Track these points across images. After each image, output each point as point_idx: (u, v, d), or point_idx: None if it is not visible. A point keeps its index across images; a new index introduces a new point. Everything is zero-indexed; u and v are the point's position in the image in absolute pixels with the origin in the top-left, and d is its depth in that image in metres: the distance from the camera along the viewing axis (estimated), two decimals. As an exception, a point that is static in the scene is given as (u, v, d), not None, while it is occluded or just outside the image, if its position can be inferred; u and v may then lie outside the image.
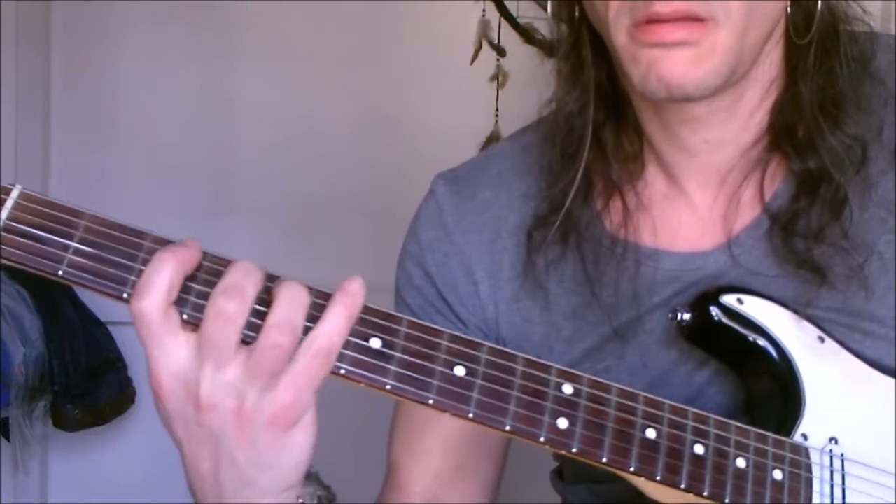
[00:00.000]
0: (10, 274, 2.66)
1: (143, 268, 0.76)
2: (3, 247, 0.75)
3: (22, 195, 0.76)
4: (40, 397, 2.72)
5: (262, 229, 2.97)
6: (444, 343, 0.80)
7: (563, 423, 0.81)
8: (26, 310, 2.69)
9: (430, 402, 0.79)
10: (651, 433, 0.83)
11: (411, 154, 3.00)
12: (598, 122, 0.99)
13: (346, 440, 2.47)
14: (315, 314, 0.77)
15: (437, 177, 1.10)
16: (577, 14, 0.97)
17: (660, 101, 0.92)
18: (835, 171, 0.93)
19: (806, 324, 0.91)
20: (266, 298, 0.76)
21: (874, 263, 0.93)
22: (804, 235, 0.93)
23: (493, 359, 0.80)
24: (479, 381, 0.80)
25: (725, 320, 0.91)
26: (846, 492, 0.87)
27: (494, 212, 1.06)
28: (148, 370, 0.76)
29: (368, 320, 0.79)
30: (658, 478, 0.82)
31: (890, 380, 0.92)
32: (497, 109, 2.90)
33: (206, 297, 0.76)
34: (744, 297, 0.91)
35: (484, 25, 2.89)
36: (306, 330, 0.76)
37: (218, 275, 0.76)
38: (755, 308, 0.91)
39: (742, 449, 0.85)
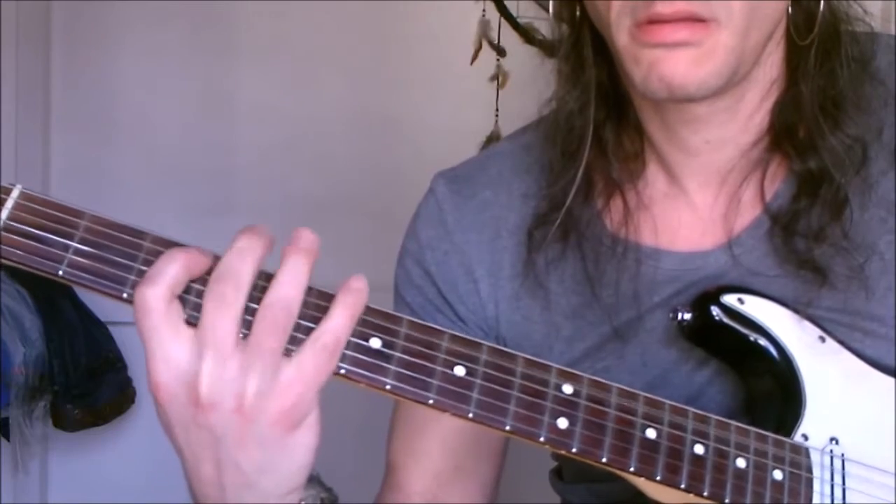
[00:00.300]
0: (10, 274, 2.65)
1: (143, 268, 0.76)
2: (3, 247, 0.74)
3: (22, 195, 0.75)
4: (40, 397, 2.72)
5: (261, 229, 2.96)
6: (444, 343, 0.80)
7: (563, 422, 0.81)
8: (26, 310, 2.69)
9: (430, 402, 0.79)
10: (651, 433, 0.83)
11: (411, 154, 3.00)
12: (598, 122, 0.99)
13: (346, 441, 2.47)
14: (317, 314, 0.77)
15: (436, 176, 1.10)
16: (578, 13, 0.97)
17: (661, 101, 0.92)
18: (835, 171, 0.93)
19: (807, 323, 0.91)
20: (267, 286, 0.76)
21: (875, 264, 0.93)
22: (805, 235, 0.93)
23: (492, 359, 0.80)
24: (478, 381, 0.80)
25: (726, 320, 0.91)
26: (846, 492, 0.87)
27: (494, 211, 1.06)
28: (147, 371, 0.75)
29: (368, 320, 0.78)
30: (658, 478, 0.82)
31: (890, 379, 0.92)
32: (497, 109, 2.90)
33: (199, 294, 0.75)
34: (745, 296, 0.91)
35: (484, 25, 2.89)
36: (308, 330, 0.76)
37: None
38: (756, 308, 0.91)
39: (742, 449, 0.85)
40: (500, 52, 2.90)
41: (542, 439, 0.80)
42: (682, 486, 0.83)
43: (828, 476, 0.87)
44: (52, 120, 3.04)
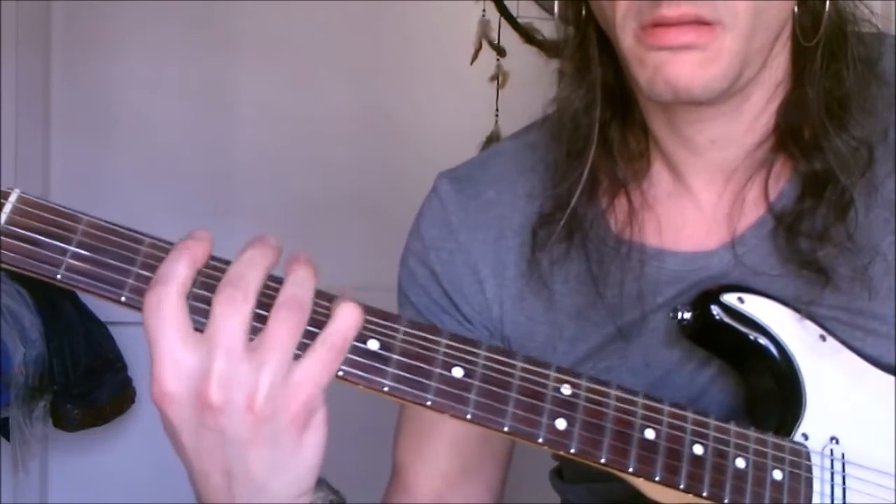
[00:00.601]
0: (11, 274, 2.65)
1: (141, 271, 0.76)
2: (1, 251, 0.74)
3: (20, 199, 0.75)
4: (40, 397, 2.72)
5: (262, 230, 2.92)
6: (443, 344, 0.80)
7: (561, 423, 0.81)
8: (26, 310, 2.69)
9: (429, 403, 0.79)
10: (650, 433, 0.82)
11: (411, 154, 3.00)
12: (604, 121, 0.99)
13: (349, 442, 2.46)
14: (322, 319, 0.77)
15: (440, 175, 1.10)
16: (584, 13, 0.97)
17: (666, 103, 0.92)
18: (840, 173, 0.93)
19: (807, 322, 0.91)
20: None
21: (878, 265, 0.93)
22: (808, 236, 0.93)
23: (491, 359, 0.80)
24: (477, 383, 0.79)
25: (726, 319, 0.91)
26: (846, 492, 0.87)
27: (498, 211, 1.06)
28: (153, 376, 0.74)
29: (366, 321, 0.78)
30: (657, 478, 0.82)
31: (891, 378, 0.91)
32: (497, 109, 2.90)
33: (203, 299, 0.75)
34: (745, 295, 0.91)
35: (484, 25, 2.89)
36: (312, 335, 0.76)
37: (214, 278, 0.76)
38: (756, 307, 0.91)
39: (741, 449, 0.85)
40: (500, 52, 2.90)
41: (540, 440, 0.80)
42: (681, 486, 0.83)
43: (828, 476, 0.87)
44: (52, 120, 3.04)
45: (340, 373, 0.77)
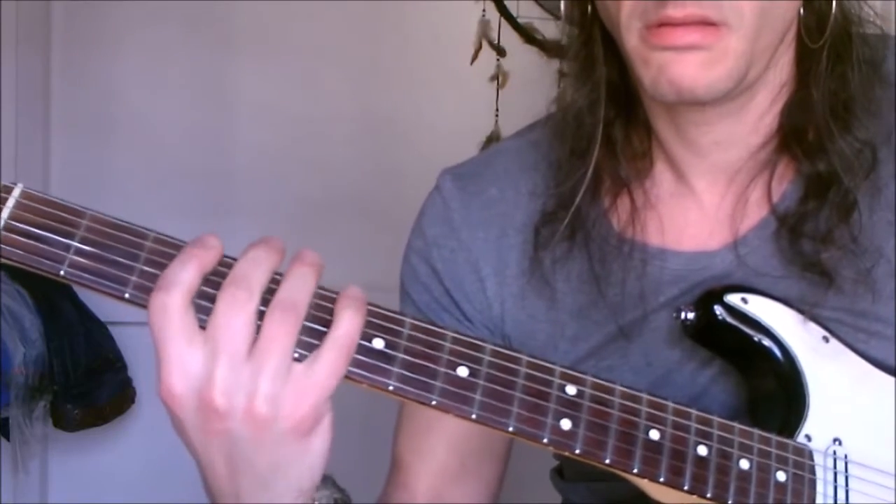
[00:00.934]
0: (11, 274, 2.65)
1: (145, 268, 0.75)
2: (4, 246, 0.74)
3: (23, 194, 0.75)
4: (40, 397, 2.72)
5: (262, 230, 2.92)
6: (447, 343, 0.79)
7: (566, 424, 0.80)
8: (26, 310, 2.69)
9: (433, 402, 0.78)
10: (654, 434, 0.82)
11: (411, 154, 3.00)
12: (608, 120, 0.99)
13: (355, 441, 2.46)
14: (320, 314, 0.76)
15: (443, 172, 1.10)
16: (589, 11, 0.97)
17: (670, 103, 0.92)
18: (844, 174, 0.92)
19: (811, 324, 0.91)
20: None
21: (882, 268, 0.93)
22: (812, 238, 0.93)
23: (495, 359, 0.80)
24: (482, 382, 0.79)
25: (729, 319, 0.91)
26: (850, 493, 0.87)
27: (501, 209, 1.05)
28: (161, 378, 0.74)
29: (371, 321, 0.78)
30: (661, 479, 0.82)
31: (894, 380, 0.91)
32: (497, 109, 2.90)
33: (208, 297, 0.75)
34: (748, 296, 0.91)
35: (484, 25, 2.89)
36: (310, 331, 0.76)
37: (219, 274, 0.76)
38: (760, 308, 0.91)
39: (745, 450, 0.85)
40: (500, 52, 2.90)
41: (545, 441, 0.80)
42: (686, 487, 0.82)
43: (831, 477, 0.87)
44: (52, 120, 3.04)
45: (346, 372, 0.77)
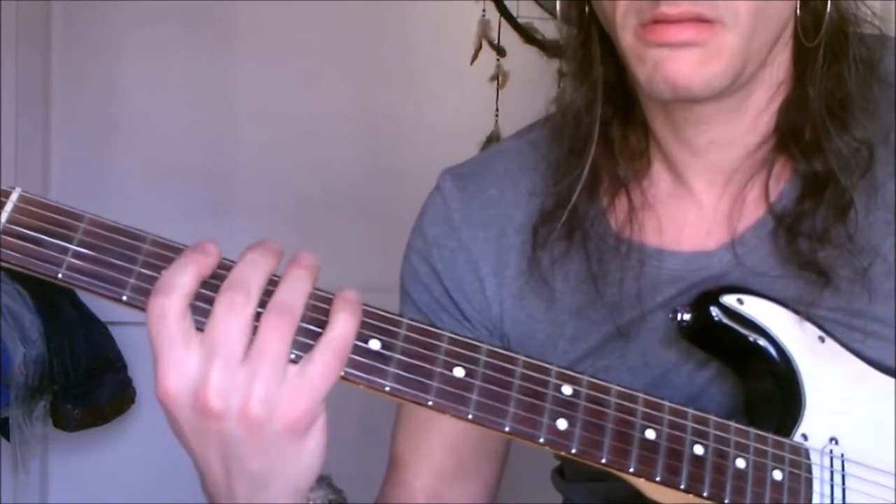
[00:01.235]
0: (11, 274, 2.65)
1: (143, 270, 0.76)
2: (2, 249, 0.74)
3: (21, 198, 0.75)
4: (40, 397, 2.72)
5: (262, 230, 2.94)
6: (443, 344, 0.80)
7: (562, 423, 0.81)
8: (26, 310, 2.69)
9: (429, 403, 0.79)
10: (651, 434, 0.83)
11: (411, 154, 3.00)
12: (605, 119, 0.99)
13: (353, 442, 2.47)
14: (316, 315, 0.77)
15: (443, 172, 1.10)
16: (586, 11, 0.98)
17: (666, 101, 0.92)
18: (841, 173, 0.93)
19: (807, 324, 0.91)
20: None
21: (878, 267, 0.93)
22: (809, 237, 0.93)
23: (492, 360, 0.80)
24: (478, 383, 0.79)
25: (726, 320, 0.91)
26: (846, 492, 0.87)
27: (500, 209, 1.06)
28: (157, 379, 0.75)
29: (367, 322, 0.78)
30: (658, 478, 0.82)
31: (891, 380, 0.92)
32: (497, 109, 2.90)
33: (205, 299, 0.75)
34: (744, 297, 0.91)
35: (484, 25, 2.89)
36: (307, 332, 0.76)
37: (217, 277, 0.76)
38: (756, 308, 0.91)
39: (742, 449, 0.85)
40: (500, 52, 2.90)
41: (541, 440, 0.80)
42: (682, 486, 0.83)
43: (827, 476, 0.87)
44: (52, 120, 3.04)
45: (342, 373, 0.77)
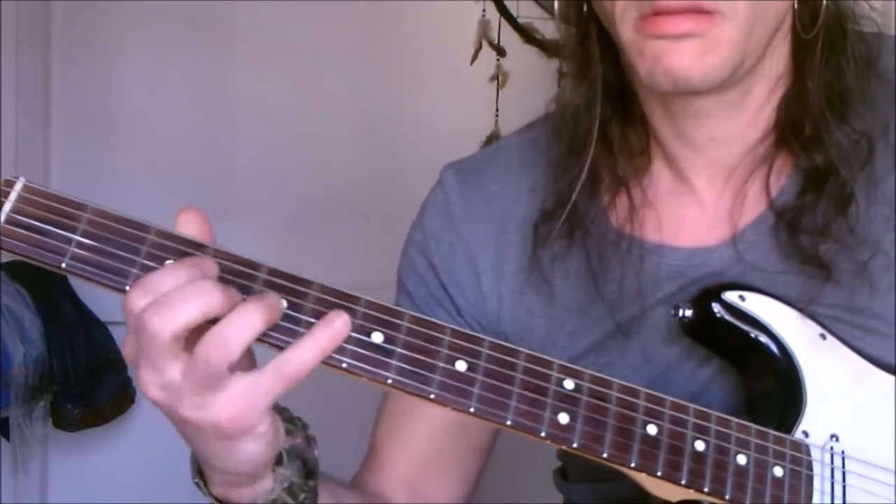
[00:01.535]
0: (11, 274, 2.65)
1: (146, 261, 0.76)
2: (6, 239, 0.75)
3: (25, 188, 0.76)
4: (40, 397, 2.72)
5: (262, 229, 2.97)
6: (446, 338, 0.80)
7: (564, 418, 0.81)
8: (26, 310, 2.69)
9: (432, 396, 0.79)
10: (652, 429, 0.83)
11: (411, 154, 3.00)
12: (604, 118, 1.00)
13: (354, 442, 2.47)
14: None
15: (445, 167, 1.11)
16: (585, 10, 0.98)
17: (666, 93, 0.92)
18: (841, 166, 0.93)
19: (808, 321, 0.92)
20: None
21: (879, 261, 0.93)
22: (810, 231, 0.93)
23: (494, 353, 0.81)
24: (480, 377, 0.80)
25: (727, 317, 0.91)
26: (847, 489, 0.88)
27: (500, 204, 1.06)
28: (138, 379, 0.77)
29: (370, 314, 0.79)
30: (659, 473, 0.82)
31: (892, 377, 0.92)
32: (497, 109, 2.91)
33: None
34: (746, 293, 0.91)
35: (484, 25, 2.90)
36: (301, 322, 0.77)
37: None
38: (757, 305, 0.91)
39: (743, 445, 0.85)
40: (500, 52, 2.90)
41: (542, 434, 0.80)
42: (683, 482, 0.83)
43: (828, 473, 0.88)
44: (52, 120, 3.04)
45: (344, 365, 0.78)
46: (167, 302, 0.73)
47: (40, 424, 2.78)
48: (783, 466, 0.86)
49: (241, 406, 0.75)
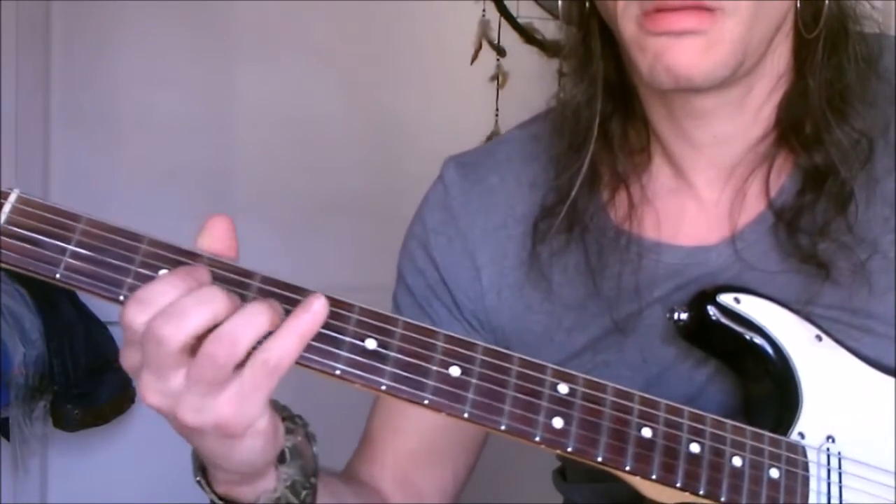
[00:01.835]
0: (11, 274, 2.65)
1: (140, 270, 0.76)
2: (1, 250, 0.75)
3: (19, 199, 0.76)
4: (40, 397, 2.72)
5: (262, 230, 2.96)
6: (440, 343, 0.80)
7: (558, 422, 0.81)
8: (26, 310, 2.69)
9: (426, 402, 0.79)
10: (647, 432, 0.83)
11: (411, 154, 2.99)
12: (605, 115, 1.00)
13: (354, 443, 2.47)
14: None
15: (447, 160, 1.11)
16: (587, 6, 0.98)
17: (667, 91, 0.92)
18: (841, 165, 0.93)
19: (804, 322, 0.92)
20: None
21: (877, 262, 0.93)
22: (809, 231, 0.93)
23: (488, 359, 0.81)
24: (474, 381, 0.80)
25: (723, 320, 0.91)
26: (843, 490, 0.88)
27: (501, 198, 1.06)
28: (139, 382, 0.77)
29: (364, 321, 0.79)
30: (654, 476, 0.82)
31: (888, 378, 0.92)
32: (497, 109, 2.91)
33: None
34: (741, 296, 0.91)
35: (484, 25, 2.90)
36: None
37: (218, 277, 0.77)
38: (753, 307, 0.91)
39: (738, 447, 0.85)
40: (500, 52, 2.90)
41: (537, 439, 0.80)
42: (678, 484, 0.83)
43: (824, 474, 0.88)
44: (52, 120, 3.04)
45: (338, 372, 0.78)
46: (176, 310, 0.73)
47: (40, 424, 2.78)
48: (779, 468, 0.86)
49: (237, 404, 0.75)
